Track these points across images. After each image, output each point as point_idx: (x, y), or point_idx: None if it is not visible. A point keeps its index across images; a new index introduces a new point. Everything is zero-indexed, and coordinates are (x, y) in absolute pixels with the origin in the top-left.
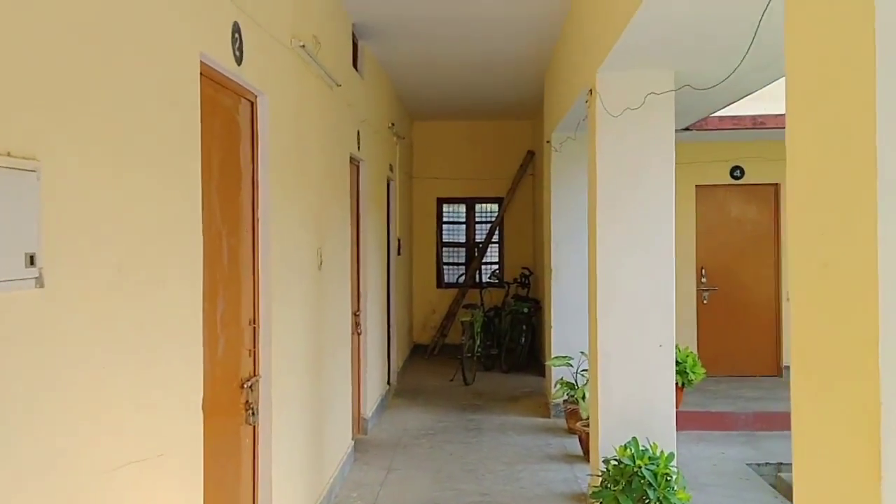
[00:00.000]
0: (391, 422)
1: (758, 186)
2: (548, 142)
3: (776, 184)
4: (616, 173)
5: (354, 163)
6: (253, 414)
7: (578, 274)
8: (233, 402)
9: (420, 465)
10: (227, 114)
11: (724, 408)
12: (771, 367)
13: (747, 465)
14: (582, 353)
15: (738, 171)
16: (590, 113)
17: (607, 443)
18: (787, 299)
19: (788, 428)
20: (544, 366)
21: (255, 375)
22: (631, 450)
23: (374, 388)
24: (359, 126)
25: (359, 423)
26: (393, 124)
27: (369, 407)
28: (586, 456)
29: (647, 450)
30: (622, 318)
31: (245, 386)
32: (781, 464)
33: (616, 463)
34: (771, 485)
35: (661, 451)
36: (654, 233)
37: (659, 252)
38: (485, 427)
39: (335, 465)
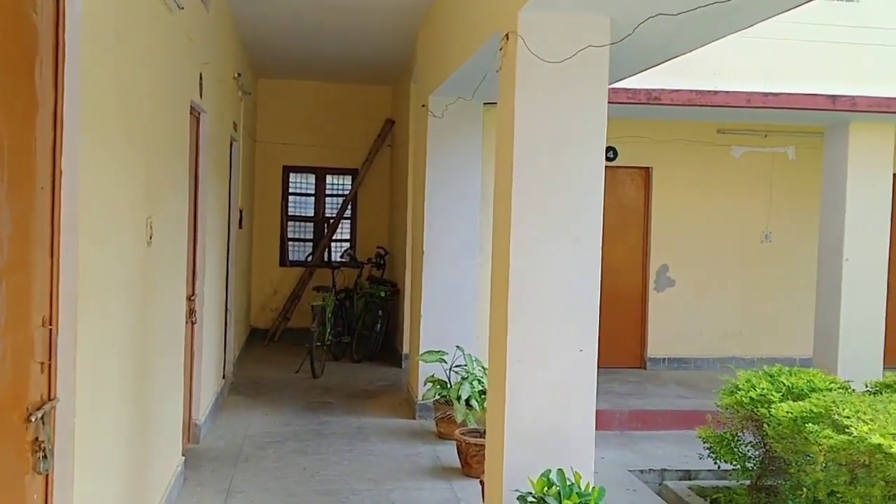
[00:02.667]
0: (229, 426)
1: (630, 169)
2: (423, 106)
3: (649, 167)
4: (540, 141)
5: (195, 113)
6: (45, 457)
7: (455, 258)
8: (12, 444)
9: (267, 486)
10: (13, 7)
11: (597, 405)
12: (635, 358)
13: (630, 471)
14: (458, 347)
15: (612, 153)
16: (505, 64)
17: (516, 469)
18: (655, 288)
19: (663, 428)
20: (401, 356)
21: (49, 399)
22: (556, 485)
23: (209, 385)
24: (201, 69)
25: (189, 431)
26: (239, 75)
27: (202, 409)
28: (465, 468)
29: (573, 484)
30: (538, 318)
31: (33, 418)
32: (665, 470)
33: (535, 501)
34: (657, 493)
35: (590, 485)
36: (580, 217)
37: (585, 240)
38: (341, 431)
39: (161, 491)
